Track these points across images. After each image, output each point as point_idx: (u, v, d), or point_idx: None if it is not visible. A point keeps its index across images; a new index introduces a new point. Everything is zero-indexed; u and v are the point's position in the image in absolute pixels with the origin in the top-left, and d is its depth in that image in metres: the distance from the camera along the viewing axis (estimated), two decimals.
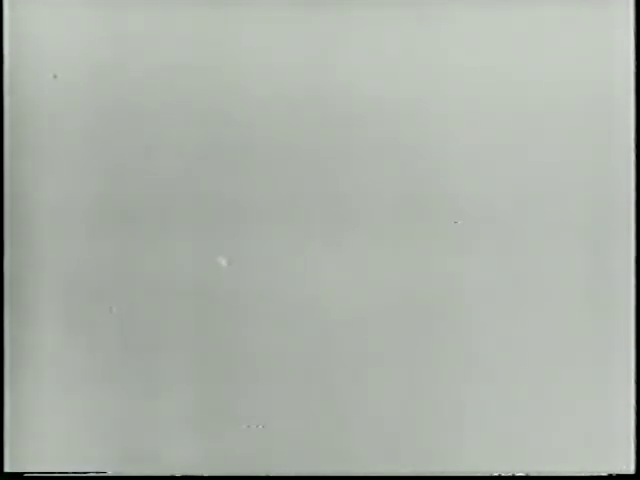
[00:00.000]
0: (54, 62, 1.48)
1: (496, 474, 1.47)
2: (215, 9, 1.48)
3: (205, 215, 1.48)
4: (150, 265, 1.48)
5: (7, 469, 1.48)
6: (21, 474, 1.48)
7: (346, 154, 1.48)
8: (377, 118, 1.48)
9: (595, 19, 1.48)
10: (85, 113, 1.48)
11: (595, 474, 1.47)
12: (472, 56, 1.48)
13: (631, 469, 1.47)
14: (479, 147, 1.48)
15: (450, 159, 1.48)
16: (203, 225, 1.48)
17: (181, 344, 1.48)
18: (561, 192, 1.48)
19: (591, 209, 1.48)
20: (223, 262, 1.47)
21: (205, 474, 1.48)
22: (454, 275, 1.48)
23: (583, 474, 1.47)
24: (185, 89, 1.48)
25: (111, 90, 1.48)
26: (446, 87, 1.48)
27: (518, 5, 1.48)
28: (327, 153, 1.48)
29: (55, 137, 1.48)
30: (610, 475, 1.47)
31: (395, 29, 1.48)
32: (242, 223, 1.48)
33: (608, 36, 1.47)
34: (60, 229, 1.48)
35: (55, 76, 1.48)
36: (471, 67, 1.48)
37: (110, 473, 1.48)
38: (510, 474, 1.47)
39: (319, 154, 1.48)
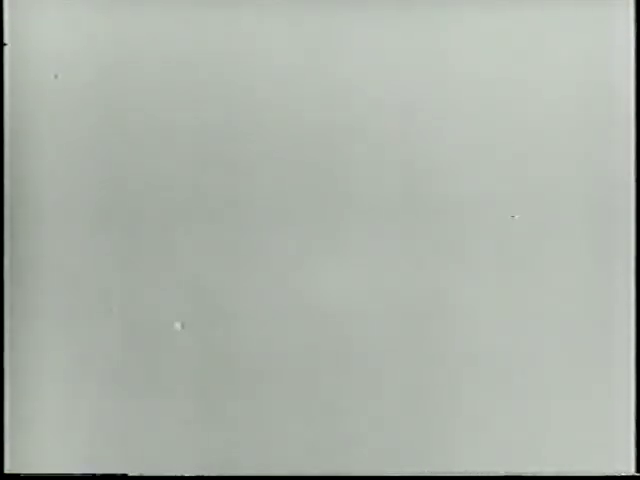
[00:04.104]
0: (54, 62, 1.48)
1: (496, 474, 1.47)
2: (215, 9, 1.48)
3: (206, 214, 1.48)
4: (151, 264, 1.48)
5: (7, 469, 1.48)
6: (21, 474, 1.48)
7: (345, 155, 1.48)
8: (377, 119, 1.48)
9: (595, 19, 1.48)
10: (86, 113, 1.48)
11: (595, 474, 1.47)
12: (471, 56, 1.48)
13: (631, 469, 1.47)
14: (479, 147, 1.48)
15: (450, 159, 1.48)
16: (204, 224, 1.48)
17: (181, 344, 1.48)
18: (561, 191, 1.48)
19: (591, 209, 1.48)
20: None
21: (205, 474, 1.48)
22: (454, 275, 1.48)
23: (583, 474, 1.47)
24: (186, 89, 1.48)
25: (112, 90, 1.48)
26: (445, 87, 1.48)
27: (518, 6, 1.48)
28: (326, 154, 1.48)
29: (55, 137, 1.48)
30: (610, 475, 1.47)
31: (395, 30, 1.48)
32: (240, 223, 1.48)
33: (608, 36, 1.48)
34: (60, 229, 1.48)
35: (56, 76, 1.48)
36: (470, 67, 1.48)
37: (110, 473, 1.48)
38: (510, 474, 1.47)
39: (318, 155, 1.48)
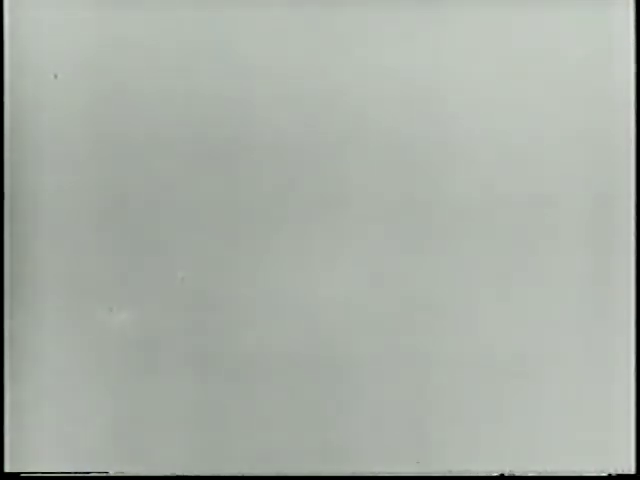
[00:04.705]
0: (54, 62, 1.48)
1: (496, 474, 1.47)
2: (215, 10, 1.48)
3: (205, 215, 1.48)
4: (150, 264, 1.48)
5: (7, 469, 1.48)
6: (21, 474, 1.48)
7: (345, 155, 1.48)
8: (375, 120, 1.48)
9: (595, 19, 1.48)
10: (85, 113, 1.48)
11: (595, 474, 1.47)
12: (471, 57, 1.48)
13: (631, 469, 1.47)
14: (478, 147, 1.48)
15: (449, 160, 1.48)
16: (203, 225, 1.48)
17: (181, 343, 1.48)
18: (560, 193, 1.48)
19: (591, 210, 1.48)
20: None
21: (205, 474, 1.48)
22: (453, 275, 1.48)
23: (583, 474, 1.47)
24: (185, 90, 1.48)
25: (111, 90, 1.48)
26: (445, 87, 1.48)
27: (518, 6, 1.48)
28: (326, 155, 1.48)
29: (55, 137, 1.48)
30: (610, 475, 1.47)
31: (394, 31, 1.48)
32: (240, 224, 1.48)
33: (608, 36, 1.48)
34: (60, 229, 1.48)
35: (55, 76, 1.48)
36: (470, 67, 1.48)
37: (110, 473, 1.48)
38: (510, 474, 1.47)
39: (317, 156, 1.48)
